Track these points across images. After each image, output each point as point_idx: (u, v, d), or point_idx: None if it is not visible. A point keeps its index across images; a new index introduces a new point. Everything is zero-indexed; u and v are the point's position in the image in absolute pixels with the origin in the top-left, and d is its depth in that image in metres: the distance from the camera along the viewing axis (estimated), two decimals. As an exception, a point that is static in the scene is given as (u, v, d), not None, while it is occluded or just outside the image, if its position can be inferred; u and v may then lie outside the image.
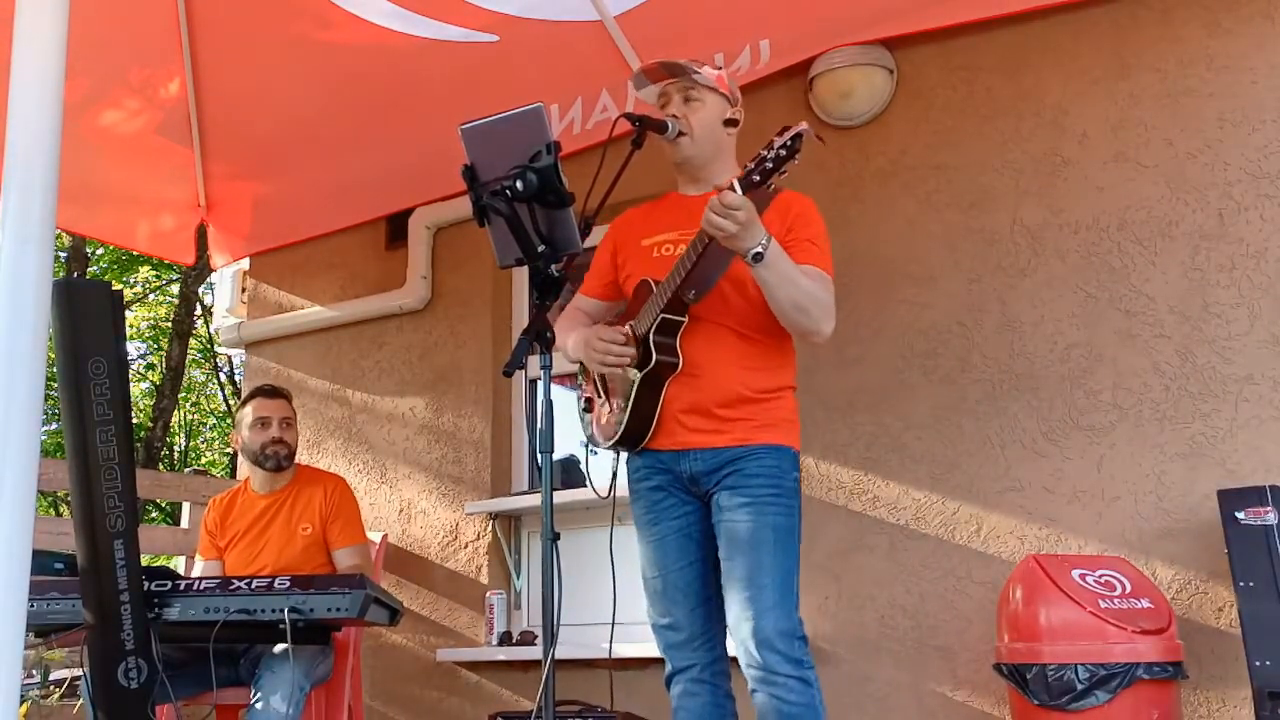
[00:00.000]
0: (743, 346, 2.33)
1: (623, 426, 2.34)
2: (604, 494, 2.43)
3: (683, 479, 2.35)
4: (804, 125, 2.09)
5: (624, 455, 2.48)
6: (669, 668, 2.37)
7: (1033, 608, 2.59)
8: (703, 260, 2.20)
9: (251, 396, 3.54)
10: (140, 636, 2.42)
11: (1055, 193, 3.15)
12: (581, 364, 2.50)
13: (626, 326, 2.38)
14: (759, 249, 2.12)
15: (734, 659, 2.35)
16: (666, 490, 2.38)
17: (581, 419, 2.53)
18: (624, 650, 3.45)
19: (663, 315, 2.29)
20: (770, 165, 2.08)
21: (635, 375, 2.31)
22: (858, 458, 3.29)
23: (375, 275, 4.42)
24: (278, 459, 3.40)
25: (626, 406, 2.33)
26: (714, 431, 2.30)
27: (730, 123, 2.45)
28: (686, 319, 2.31)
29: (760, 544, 2.21)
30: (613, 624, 2.38)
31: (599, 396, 2.44)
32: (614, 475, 2.46)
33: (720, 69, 2.52)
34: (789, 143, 2.07)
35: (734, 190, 2.09)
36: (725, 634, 2.36)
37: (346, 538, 3.39)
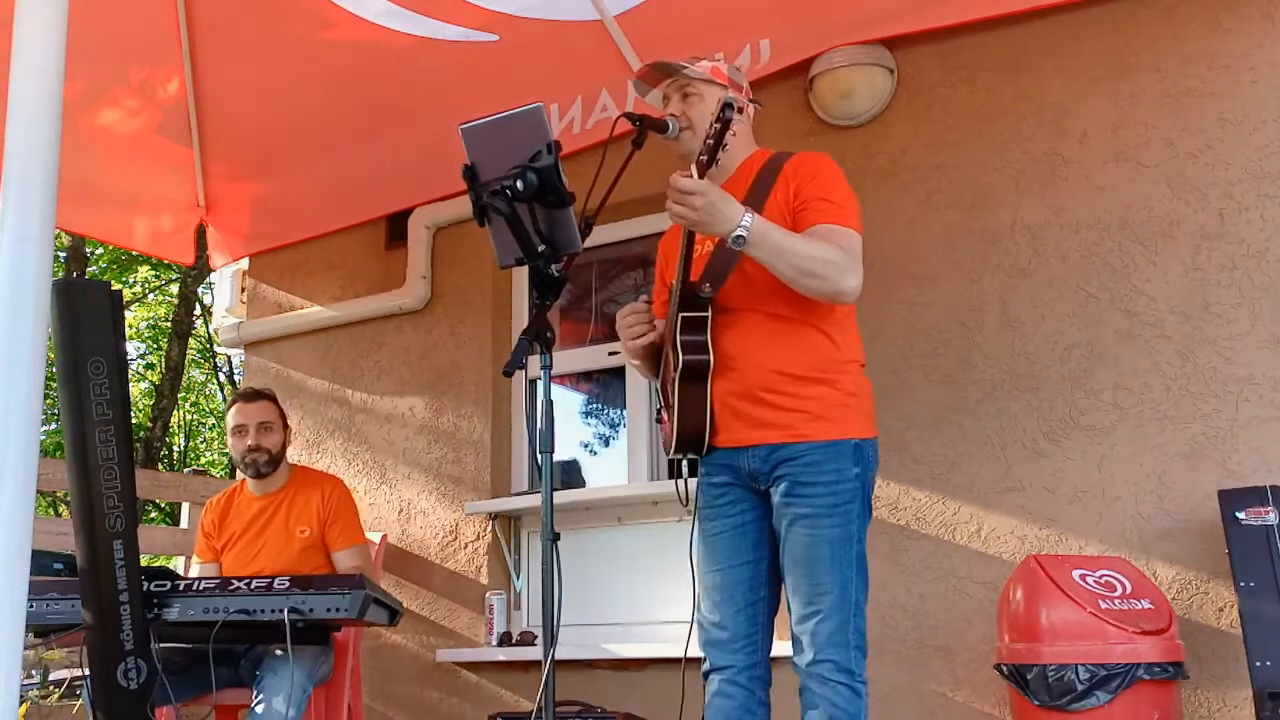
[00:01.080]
0: (778, 327, 2.25)
1: (676, 431, 2.30)
2: (684, 502, 2.39)
3: (743, 474, 2.29)
4: (729, 94, 2.11)
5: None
6: (707, 664, 2.33)
7: (1033, 608, 2.58)
8: (713, 253, 2.19)
9: (232, 402, 3.53)
10: (140, 637, 2.42)
11: (1056, 193, 3.15)
12: (654, 375, 2.48)
13: (642, 302, 2.40)
14: (740, 232, 2.06)
15: (775, 659, 2.33)
16: (727, 487, 2.32)
17: (661, 434, 2.51)
18: (624, 650, 3.45)
19: (681, 314, 2.25)
20: (712, 142, 2.07)
21: (676, 378, 2.28)
22: (858, 458, 3.28)
23: (375, 275, 4.42)
24: (256, 466, 3.38)
25: (674, 412, 2.29)
26: (764, 424, 2.23)
27: (732, 108, 2.40)
28: (709, 313, 2.25)
29: (817, 561, 2.16)
30: (691, 623, 2.35)
31: (665, 407, 2.40)
32: (684, 479, 2.40)
33: (717, 60, 2.48)
34: (719, 114, 2.05)
35: (685, 175, 2.07)
36: (769, 639, 2.32)
37: (346, 539, 3.38)
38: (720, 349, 2.25)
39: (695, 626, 2.35)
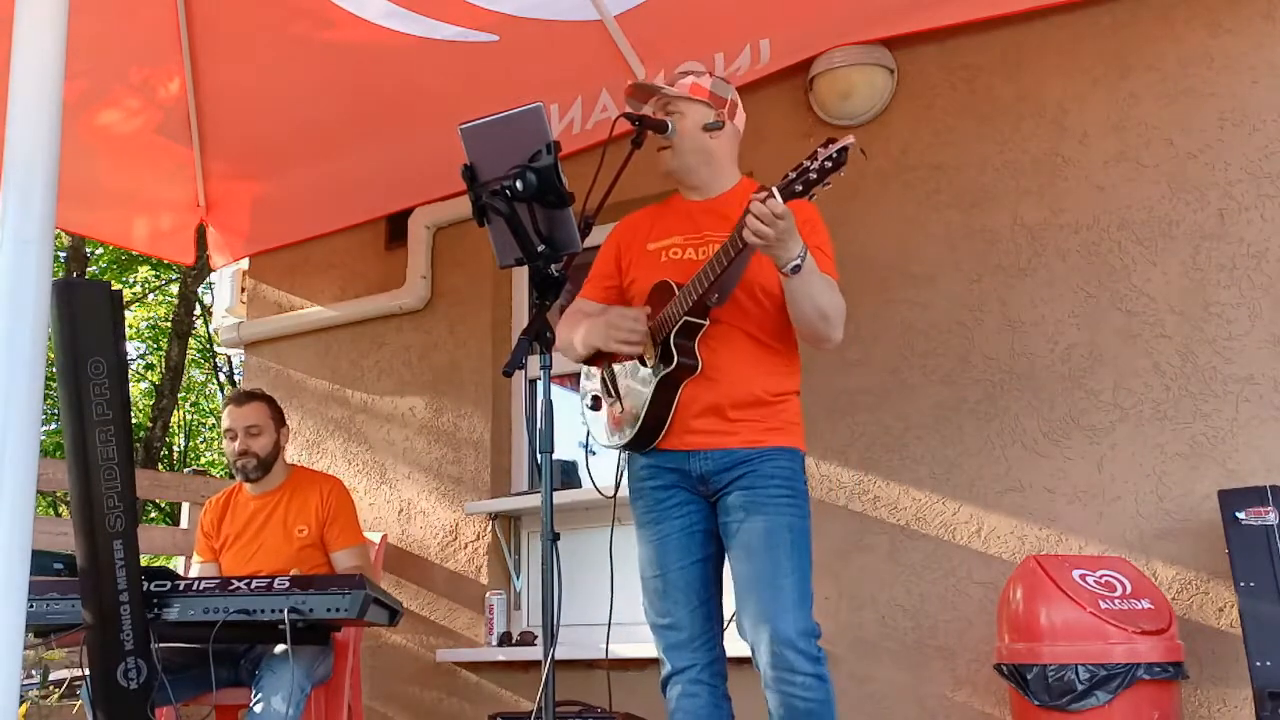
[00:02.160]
0: (757, 350, 2.34)
1: (638, 426, 2.34)
2: (608, 493, 2.44)
3: (690, 478, 2.34)
4: (850, 138, 2.08)
5: (625, 455, 2.49)
6: (666, 669, 2.36)
7: (1033, 608, 2.58)
8: (732, 266, 2.20)
9: (225, 404, 3.53)
10: (140, 637, 2.41)
11: (1055, 192, 3.15)
12: (587, 361, 2.49)
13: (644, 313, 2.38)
14: (798, 261, 2.14)
15: (732, 660, 2.37)
16: (672, 489, 2.37)
17: (586, 417, 2.53)
18: (623, 650, 3.45)
19: (686, 318, 2.28)
20: (814, 176, 2.07)
21: (654, 375, 2.32)
22: (858, 458, 3.29)
23: (375, 275, 4.42)
24: (245, 471, 3.38)
25: (642, 406, 2.33)
26: (724, 432, 2.31)
27: (713, 126, 2.42)
28: (707, 322, 2.31)
29: (778, 545, 2.22)
30: (609, 624, 2.39)
31: (608, 396, 2.44)
32: (619, 474, 2.48)
33: (700, 75, 2.49)
34: (835, 155, 2.06)
35: (775, 198, 2.08)
36: (722, 635, 2.37)
37: (345, 539, 3.38)
38: (705, 359, 2.31)
39: (653, 630, 2.39)
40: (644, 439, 2.36)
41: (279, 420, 3.48)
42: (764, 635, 2.17)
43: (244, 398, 3.47)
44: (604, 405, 2.45)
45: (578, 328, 2.46)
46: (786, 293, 2.24)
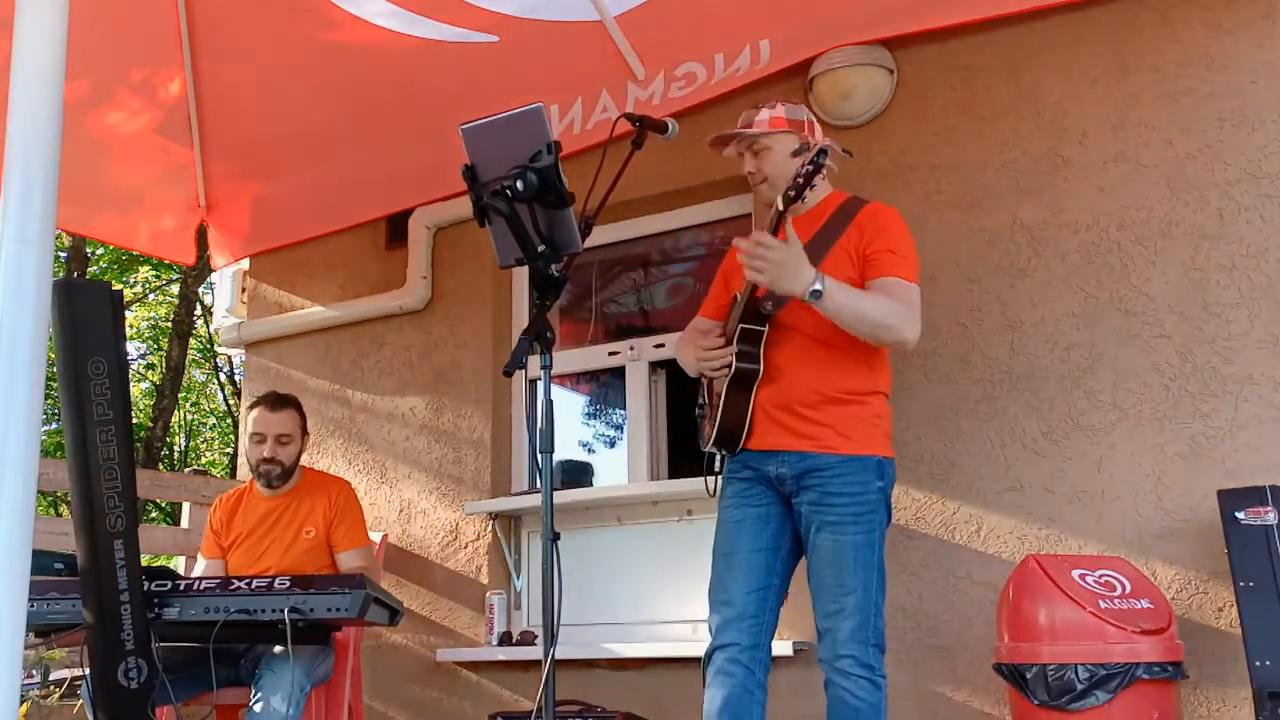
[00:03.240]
0: (820, 351, 2.45)
1: (716, 428, 2.51)
2: (711, 493, 2.63)
3: (769, 478, 2.48)
4: (826, 141, 2.21)
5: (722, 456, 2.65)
6: (710, 645, 2.46)
7: (1033, 608, 2.58)
8: None
9: (255, 404, 3.48)
10: (140, 636, 2.41)
11: (1055, 193, 3.15)
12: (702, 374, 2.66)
13: (723, 330, 2.57)
14: (815, 288, 2.25)
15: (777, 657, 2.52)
16: (754, 482, 2.52)
17: (699, 426, 2.68)
18: (624, 650, 3.46)
19: (741, 325, 2.45)
20: (792, 194, 2.21)
21: (724, 382, 2.48)
22: (858, 458, 3.29)
23: (375, 275, 4.42)
24: (269, 478, 3.39)
25: (719, 412, 2.50)
26: (799, 434, 2.43)
27: (800, 151, 2.52)
28: (767, 328, 2.45)
29: (843, 564, 2.37)
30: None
31: (702, 404, 2.61)
32: (717, 473, 2.64)
33: (770, 106, 2.58)
34: (814, 158, 2.19)
35: (762, 231, 2.23)
36: (773, 626, 2.49)
37: (351, 540, 3.40)
38: (769, 362, 2.46)
39: (710, 607, 2.51)
40: (725, 440, 2.52)
41: (304, 428, 3.50)
42: (828, 639, 2.37)
43: (278, 403, 3.45)
44: (707, 413, 2.61)
45: (688, 351, 2.65)
46: (826, 315, 2.35)
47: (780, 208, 2.26)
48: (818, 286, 2.24)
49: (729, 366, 2.47)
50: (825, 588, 2.38)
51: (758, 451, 2.48)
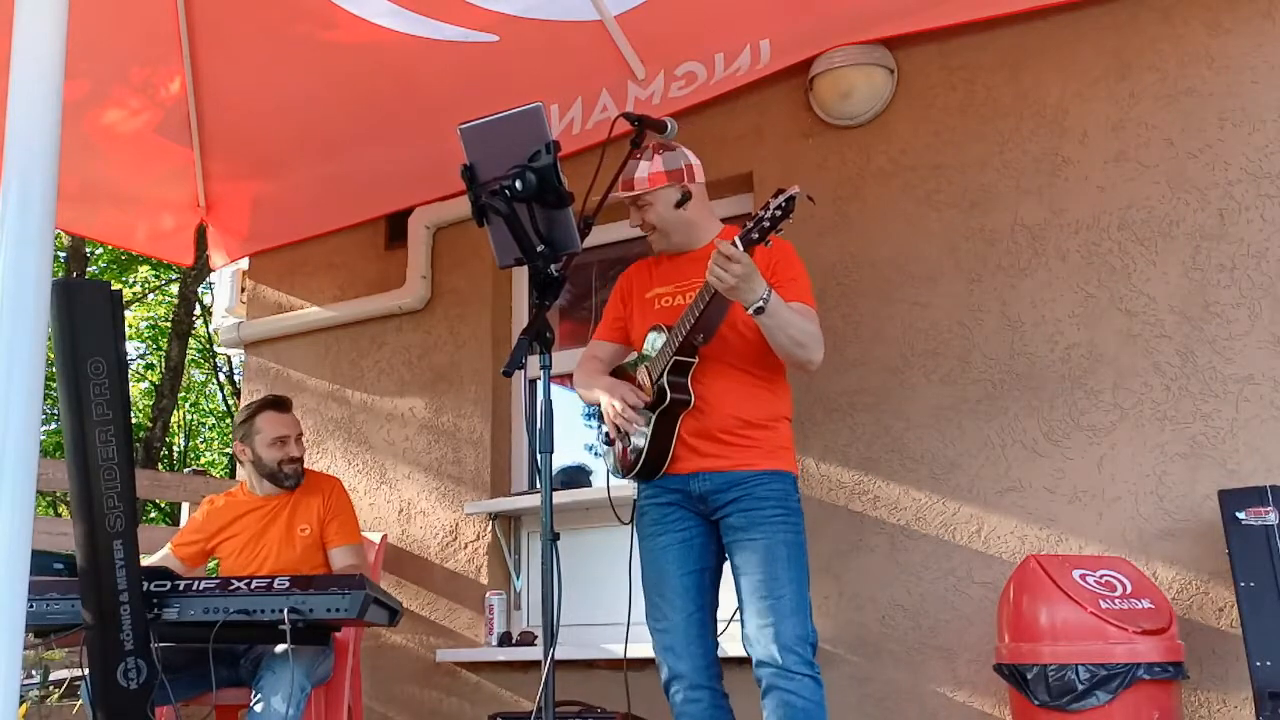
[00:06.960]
0: (743, 380, 2.55)
1: (642, 459, 2.54)
2: (625, 520, 2.65)
3: (692, 498, 2.55)
4: (795, 188, 2.26)
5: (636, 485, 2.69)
6: (665, 673, 2.54)
7: (1033, 608, 2.58)
8: (709, 308, 2.39)
9: (261, 409, 3.47)
10: (140, 637, 2.41)
11: (1055, 192, 3.15)
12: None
13: (641, 378, 2.60)
14: (761, 302, 2.32)
15: (730, 660, 2.54)
16: (673, 507, 2.58)
17: (605, 454, 2.72)
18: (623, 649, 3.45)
19: (675, 358, 2.48)
20: (767, 224, 2.26)
21: (652, 414, 2.51)
22: (858, 458, 3.29)
23: (375, 275, 4.42)
24: (296, 477, 3.43)
25: (645, 442, 2.53)
26: (720, 456, 2.51)
27: (683, 201, 2.60)
28: (697, 360, 2.51)
29: (775, 560, 2.42)
30: (628, 624, 2.54)
31: (618, 434, 2.63)
32: (635, 503, 2.68)
33: (646, 158, 2.59)
34: (784, 204, 2.24)
35: (733, 246, 2.26)
36: (715, 639, 2.57)
37: (343, 537, 3.40)
38: (696, 392, 2.52)
39: (650, 633, 2.58)
40: (649, 470, 2.56)
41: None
42: (765, 640, 2.37)
43: (286, 404, 3.53)
44: (616, 441, 2.64)
45: (593, 385, 2.68)
46: (762, 330, 2.42)
47: (742, 249, 2.28)
48: (763, 299, 2.33)
49: (654, 402, 2.51)
50: (756, 590, 2.41)
51: (680, 474, 2.54)
